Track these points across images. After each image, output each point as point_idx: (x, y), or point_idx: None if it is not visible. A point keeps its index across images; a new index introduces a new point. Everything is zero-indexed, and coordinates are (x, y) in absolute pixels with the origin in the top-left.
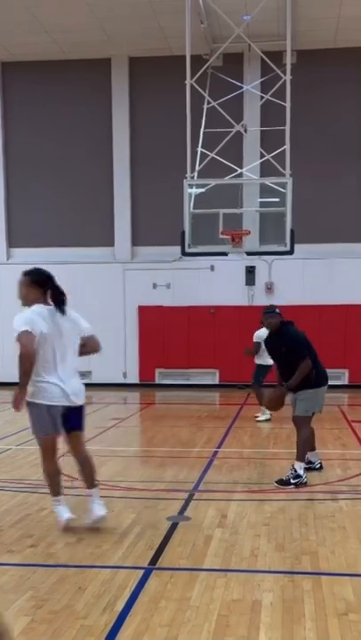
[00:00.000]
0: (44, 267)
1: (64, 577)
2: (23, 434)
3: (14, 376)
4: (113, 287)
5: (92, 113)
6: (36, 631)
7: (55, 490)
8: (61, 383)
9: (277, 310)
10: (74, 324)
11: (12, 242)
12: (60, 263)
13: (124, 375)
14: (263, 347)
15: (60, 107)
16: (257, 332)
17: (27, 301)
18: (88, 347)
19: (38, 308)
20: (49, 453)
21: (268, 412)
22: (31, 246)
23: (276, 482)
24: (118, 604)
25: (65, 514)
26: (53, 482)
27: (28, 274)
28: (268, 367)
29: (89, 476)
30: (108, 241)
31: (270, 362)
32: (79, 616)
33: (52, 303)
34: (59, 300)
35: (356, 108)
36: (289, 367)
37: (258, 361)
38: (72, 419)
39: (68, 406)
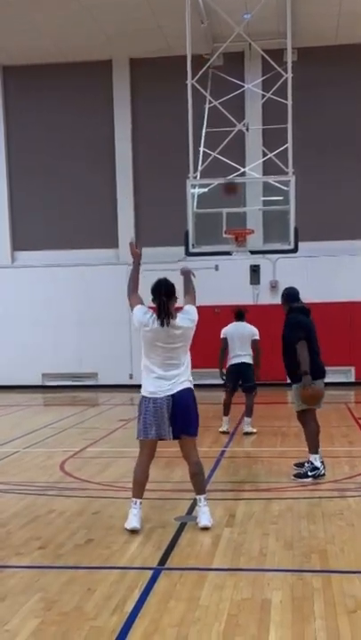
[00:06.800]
0: (48, 269)
1: (73, 578)
2: (30, 437)
3: (14, 379)
4: (117, 288)
5: (95, 115)
6: (46, 633)
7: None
8: None
9: (284, 293)
10: None
11: (17, 245)
12: (65, 265)
13: (131, 376)
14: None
15: (63, 109)
16: (223, 329)
17: None
18: None
19: None
20: None
21: (225, 426)
22: (35, 249)
23: (294, 475)
24: (128, 604)
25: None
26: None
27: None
28: (231, 367)
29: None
30: (112, 242)
31: (234, 361)
32: (89, 617)
33: None
34: None
35: (358, 105)
36: (285, 354)
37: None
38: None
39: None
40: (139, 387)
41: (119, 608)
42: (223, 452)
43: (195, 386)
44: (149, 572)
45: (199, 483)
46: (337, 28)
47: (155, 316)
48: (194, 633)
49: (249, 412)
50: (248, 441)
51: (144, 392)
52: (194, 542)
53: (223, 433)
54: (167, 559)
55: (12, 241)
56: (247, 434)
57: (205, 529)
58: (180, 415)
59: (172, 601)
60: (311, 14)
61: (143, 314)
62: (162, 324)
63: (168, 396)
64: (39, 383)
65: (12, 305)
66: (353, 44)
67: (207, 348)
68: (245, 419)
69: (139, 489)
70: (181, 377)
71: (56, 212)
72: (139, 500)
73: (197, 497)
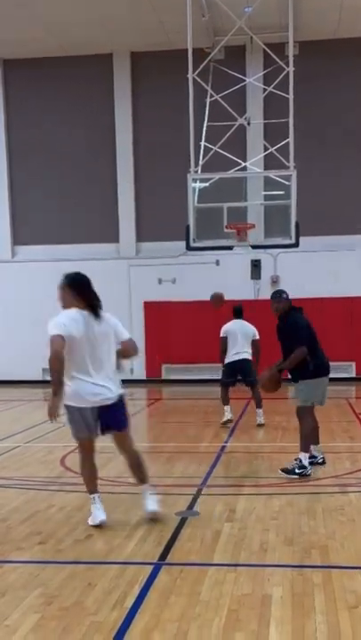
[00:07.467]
0: (48, 264)
1: (73, 573)
2: (30, 432)
3: (15, 374)
4: (118, 283)
5: (95, 109)
6: (46, 628)
7: (91, 488)
8: (93, 386)
9: (285, 295)
10: (109, 328)
11: (17, 239)
12: (65, 260)
13: (131, 371)
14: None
15: (63, 103)
16: (224, 327)
17: (64, 304)
18: (124, 351)
19: (72, 311)
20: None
21: (228, 415)
22: (36, 244)
23: (282, 469)
24: (128, 599)
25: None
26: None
27: (65, 277)
28: (230, 364)
29: (138, 472)
30: (113, 237)
31: (234, 358)
32: (89, 612)
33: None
34: (93, 304)
35: (359, 99)
36: (287, 353)
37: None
38: (107, 418)
39: (100, 406)
40: (140, 382)
41: (119, 603)
42: (223, 447)
43: (194, 381)
44: (150, 568)
45: (142, 471)
46: (338, 21)
47: (82, 311)
48: (194, 628)
49: (259, 404)
50: (248, 436)
51: (69, 401)
52: (194, 537)
53: (227, 422)
54: (167, 554)
55: (13, 235)
56: (260, 425)
57: (153, 513)
58: (107, 415)
59: (173, 596)
60: (313, 8)
61: (70, 316)
62: (96, 316)
63: (95, 401)
64: (40, 378)
65: (12, 299)
66: (354, 37)
67: (206, 343)
68: (257, 410)
69: (93, 482)
70: (110, 380)
71: (56, 206)
72: (97, 495)
73: (142, 486)
